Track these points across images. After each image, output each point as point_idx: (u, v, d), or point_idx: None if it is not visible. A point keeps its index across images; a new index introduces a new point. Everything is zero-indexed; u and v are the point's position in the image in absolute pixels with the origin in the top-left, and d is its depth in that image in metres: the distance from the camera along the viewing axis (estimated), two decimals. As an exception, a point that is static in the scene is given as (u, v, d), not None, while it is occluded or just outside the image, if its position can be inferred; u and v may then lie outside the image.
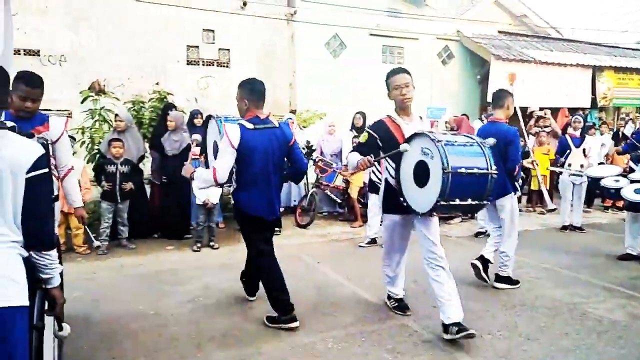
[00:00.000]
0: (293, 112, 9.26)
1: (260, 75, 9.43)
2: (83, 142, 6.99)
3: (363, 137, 3.72)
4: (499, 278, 4.84)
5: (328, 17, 9.70)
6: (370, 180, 6.66)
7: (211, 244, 6.42)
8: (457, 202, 3.19)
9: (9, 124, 1.97)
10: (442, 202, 3.14)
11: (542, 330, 3.83)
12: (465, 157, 3.26)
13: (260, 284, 4.07)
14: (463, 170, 3.17)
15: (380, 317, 4.09)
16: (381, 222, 6.62)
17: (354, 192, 8.05)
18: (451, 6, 13.92)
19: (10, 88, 3.23)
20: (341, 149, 8.61)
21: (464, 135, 3.61)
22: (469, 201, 3.25)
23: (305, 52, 9.96)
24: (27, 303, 1.98)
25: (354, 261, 5.91)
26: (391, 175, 3.70)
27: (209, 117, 4.36)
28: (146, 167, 7.01)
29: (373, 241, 6.62)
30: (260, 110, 3.74)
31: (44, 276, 2.08)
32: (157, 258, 5.97)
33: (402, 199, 3.52)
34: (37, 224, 1.98)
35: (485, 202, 3.34)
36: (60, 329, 2.35)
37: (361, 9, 10.05)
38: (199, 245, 6.31)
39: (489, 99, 9.92)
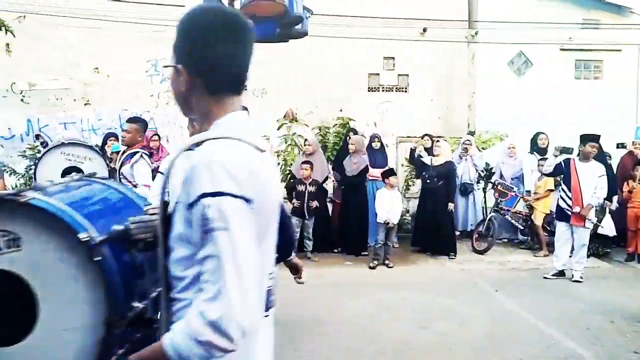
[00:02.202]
0: (471, 133, 9.05)
1: (438, 98, 9.60)
2: (277, 164, 7.94)
3: None
4: None
5: (511, 35, 9.30)
6: (559, 206, 6.14)
7: (386, 262, 6.63)
8: None
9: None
10: None
11: None
12: None
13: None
14: None
15: (566, 355, 3.76)
16: (571, 253, 6.06)
17: (538, 219, 7.46)
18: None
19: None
20: (522, 172, 8.09)
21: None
22: None
23: (485, 72, 9.68)
24: None
25: (537, 293, 5.48)
26: None
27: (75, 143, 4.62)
28: (329, 187, 7.61)
29: (561, 273, 6.06)
30: None
31: None
32: (336, 272, 6.40)
33: None
34: None
35: None
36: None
37: (550, 24, 9.38)
38: (375, 262, 6.58)
39: None
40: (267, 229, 1.15)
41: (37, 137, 7.80)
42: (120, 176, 4.34)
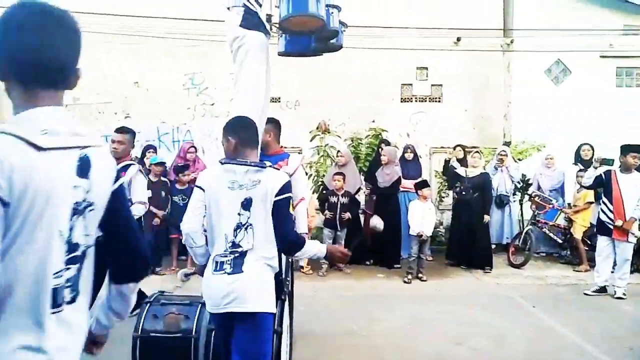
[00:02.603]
0: (507, 144, 8.87)
1: (473, 108, 9.47)
2: (310, 175, 7.98)
3: None
4: None
5: (549, 43, 9.10)
6: (600, 220, 5.95)
7: (419, 275, 6.55)
8: None
9: (268, 163, 2.52)
10: None
11: None
12: None
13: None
14: None
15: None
16: (613, 268, 5.83)
17: (578, 233, 7.24)
18: None
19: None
20: (563, 184, 7.87)
21: None
22: None
23: (522, 81, 9.49)
24: (275, 311, 2.47)
25: (577, 310, 5.31)
26: None
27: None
28: (361, 198, 7.59)
29: (602, 289, 5.85)
30: None
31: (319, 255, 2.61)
32: (369, 284, 6.37)
33: None
34: (284, 235, 2.45)
35: None
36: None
37: (589, 30, 9.13)
38: (409, 277, 6.47)
39: None
40: (37, 224, 1.14)
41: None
42: None
